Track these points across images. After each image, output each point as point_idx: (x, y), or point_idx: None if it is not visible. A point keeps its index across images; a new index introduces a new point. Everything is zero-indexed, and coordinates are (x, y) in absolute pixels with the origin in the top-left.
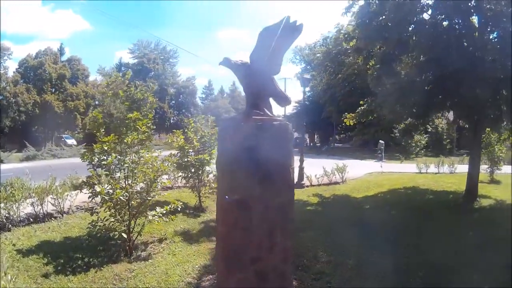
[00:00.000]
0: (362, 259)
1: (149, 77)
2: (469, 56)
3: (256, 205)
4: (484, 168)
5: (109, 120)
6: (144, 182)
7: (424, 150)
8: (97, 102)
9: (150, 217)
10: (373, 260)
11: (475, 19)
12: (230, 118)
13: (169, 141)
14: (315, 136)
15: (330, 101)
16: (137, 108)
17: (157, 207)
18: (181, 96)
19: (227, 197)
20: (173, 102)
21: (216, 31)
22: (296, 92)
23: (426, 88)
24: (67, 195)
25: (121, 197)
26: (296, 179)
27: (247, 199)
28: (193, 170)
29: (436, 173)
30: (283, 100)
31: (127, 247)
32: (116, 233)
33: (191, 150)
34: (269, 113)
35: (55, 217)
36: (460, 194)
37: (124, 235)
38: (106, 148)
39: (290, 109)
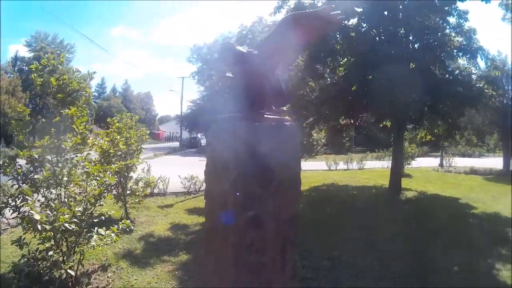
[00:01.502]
0: (338, 259)
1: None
2: (395, 62)
3: (270, 220)
4: None
5: (3, 121)
6: (86, 200)
7: (324, 147)
8: None
9: (93, 243)
10: (349, 260)
11: (401, 29)
12: (233, 118)
13: (90, 143)
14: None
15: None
16: (71, 102)
17: (95, 228)
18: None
19: (237, 193)
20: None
21: (109, 28)
22: (191, 91)
23: (352, 89)
24: None
25: (67, 225)
26: None
27: (262, 215)
28: (116, 178)
29: (345, 170)
30: (285, 99)
31: (70, 283)
32: (63, 271)
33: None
34: (275, 112)
35: None
36: (380, 188)
37: (72, 272)
38: (36, 156)
39: (184, 108)
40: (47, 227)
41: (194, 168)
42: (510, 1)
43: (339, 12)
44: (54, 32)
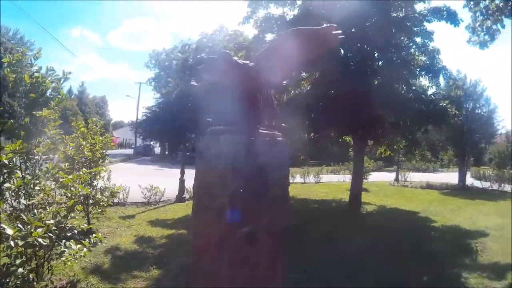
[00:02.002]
0: (311, 273)
1: (4, 68)
2: (360, 78)
3: (264, 236)
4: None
5: None
6: (56, 212)
7: None
8: None
9: (63, 258)
10: (321, 274)
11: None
12: (230, 131)
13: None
14: (166, 145)
15: (186, 109)
16: (44, 104)
17: (63, 241)
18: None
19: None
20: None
21: (67, 29)
22: (147, 97)
23: (319, 104)
24: None
25: (41, 240)
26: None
27: (256, 231)
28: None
29: (302, 183)
30: (274, 114)
31: None
32: None
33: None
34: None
35: None
36: (340, 202)
37: None
38: (6, 162)
39: (140, 115)
40: (20, 242)
41: (151, 177)
42: (477, 24)
43: (340, 32)
44: (15, 27)
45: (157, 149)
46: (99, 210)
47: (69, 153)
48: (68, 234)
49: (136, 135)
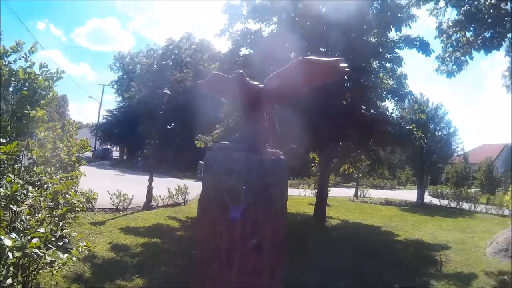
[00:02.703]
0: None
1: None
2: (328, 99)
3: (267, 246)
4: (313, 192)
5: None
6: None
7: None
8: None
9: (51, 268)
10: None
11: None
12: (241, 148)
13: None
14: (124, 150)
15: (148, 115)
16: (36, 102)
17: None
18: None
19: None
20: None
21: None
22: (109, 100)
23: (289, 121)
24: None
25: (37, 251)
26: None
27: (262, 241)
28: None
29: None
30: (276, 134)
31: None
32: None
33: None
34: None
35: None
36: (304, 216)
37: None
38: None
39: (100, 118)
40: (17, 254)
41: (114, 182)
42: (446, 55)
43: (347, 65)
44: None
45: (115, 153)
46: (72, 216)
47: (47, 155)
48: (60, 243)
49: (96, 138)
